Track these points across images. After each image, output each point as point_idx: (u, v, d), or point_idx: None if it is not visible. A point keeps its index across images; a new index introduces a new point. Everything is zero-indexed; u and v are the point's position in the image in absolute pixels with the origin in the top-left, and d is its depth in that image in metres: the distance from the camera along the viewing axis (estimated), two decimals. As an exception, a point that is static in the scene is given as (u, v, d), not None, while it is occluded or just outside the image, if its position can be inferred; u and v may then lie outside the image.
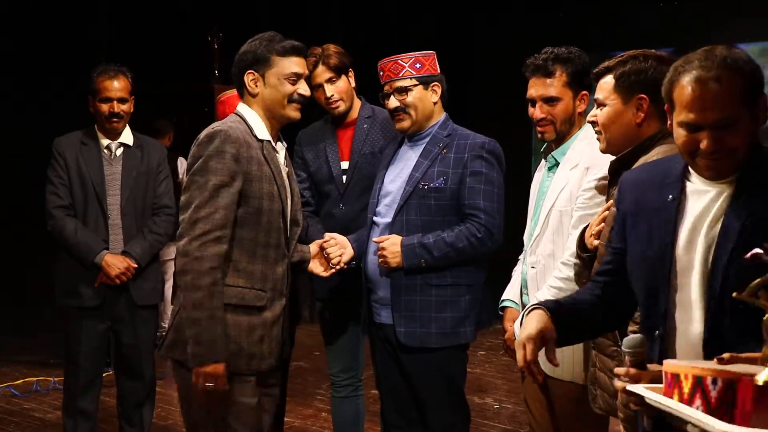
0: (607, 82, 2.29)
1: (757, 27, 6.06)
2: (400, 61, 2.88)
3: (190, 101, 6.44)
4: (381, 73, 2.93)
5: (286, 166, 2.66)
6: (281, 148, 2.64)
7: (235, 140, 2.43)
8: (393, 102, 2.89)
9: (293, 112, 2.57)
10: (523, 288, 2.78)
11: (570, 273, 2.51)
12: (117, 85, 3.52)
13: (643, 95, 2.24)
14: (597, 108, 2.34)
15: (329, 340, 3.44)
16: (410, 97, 2.88)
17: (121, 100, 3.53)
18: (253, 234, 2.48)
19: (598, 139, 2.38)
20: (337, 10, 7.01)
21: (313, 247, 2.93)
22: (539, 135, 2.72)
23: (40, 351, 5.53)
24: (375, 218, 2.98)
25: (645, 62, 2.25)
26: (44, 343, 5.37)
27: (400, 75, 2.88)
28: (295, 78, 2.54)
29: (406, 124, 2.91)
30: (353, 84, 3.29)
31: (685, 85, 1.66)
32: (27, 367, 5.50)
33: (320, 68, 3.19)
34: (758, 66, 1.69)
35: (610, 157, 2.58)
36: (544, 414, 2.77)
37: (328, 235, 2.97)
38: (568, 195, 2.61)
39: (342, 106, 3.24)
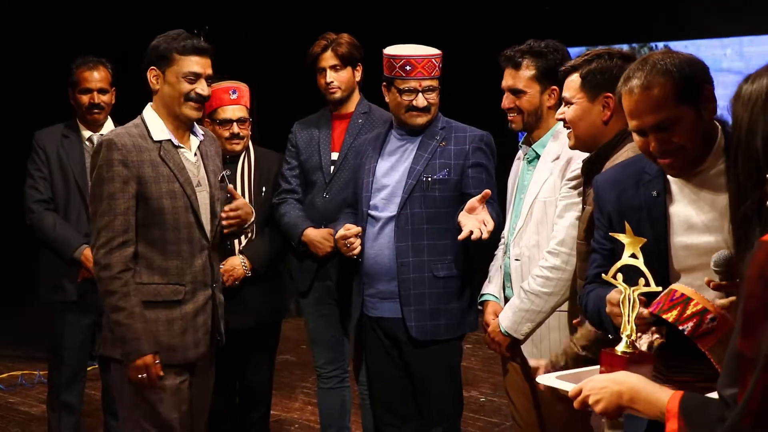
0: (574, 80, 2.35)
1: (733, 22, 6.11)
2: (434, 60, 2.88)
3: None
4: (408, 68, 2.86)
5: (203, 159, 2.71)
6: (195, 141, 2.70)
7: (121, 147, 2.53)
8: (422, 101, 2.87)
9: (190, 111, 2.61)
10: (506, 281, 2.78)
11: (556, 261, 2.54)
12: (97, 76, 3.51)
13: (609, 94, 2.28)
14: (565, 105, 2.38)
15: (313, 333, 3.45)
16: (437, 97, 2.91)
17: (101, 91, 3.51)
18: (161, 232, 2.57)
19: (568, 135, 2.42)
20: (324, 5, 7.00)
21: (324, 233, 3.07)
22: (509, 125, 2.77)
23: (24, 345, 5.51)
24: (371, 212, 2.95)
25: (610, 61, 2.30)
26: (29, 337, 5.34)
27: (432, 74, 2.88)
28: (193, 77, 2.59)
29: (425, 120, 2.92)
30: (358, 79, 3.32)
31: (625, 94, 1.80)
32: (12, 361, 5.47)
33: (328, 53, 3.24)
34: (696, 65, 1.80)
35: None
36: (528, 406, 2.79)
37: (348, 225, 2.96)
38: (552, 186, 2.63)
39: (339, 94, 3.26)
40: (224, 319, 2.79)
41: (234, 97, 3.25)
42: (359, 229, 2.93)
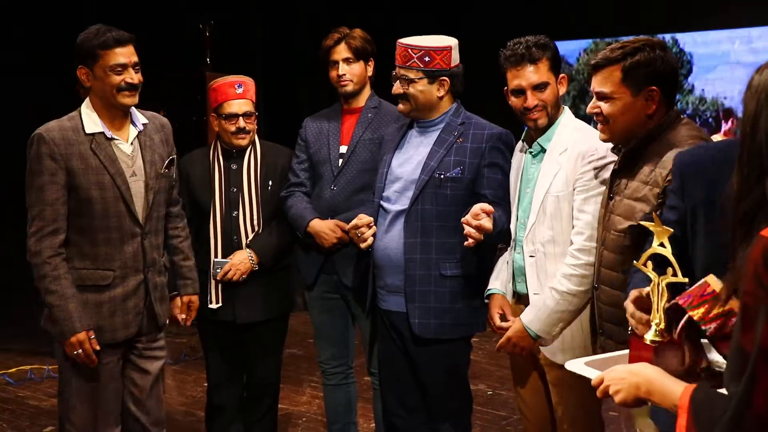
0: (614, 74, 2.25)
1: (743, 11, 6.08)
2: (410, 51, 2.84)
3: (181, 89, 6.42)
4: (396, 54, 2.89)
5: (142, 149, 2.80)
6: (133, 132, 2.80)
7: (49, 141, 2.66)
8: (396, 87, 2.88)
9: (125, 99, 2.72)
10: (517, 276, 2.76)
11: (589, 258, 2.51)
12: None
13: (654, 87, 2.23)
14: (598, 100, 2.31)
15: (318, 328, 3.45)
16: (412, 89, 2.86)
17: None
18: (89, 221, 2.72)
19: (600, 129, 2.36)
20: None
21: (330, 224, 3.14)
22: (531, 123, 2.70)
23: (34, 339, 5.52)
24: (384, 204, 2.94)
25: (652, 52, 2.23)
26: (36, 331, 5.35)
27: (407, 64, 2.84)
28: (120, 68, 2.69)
29: (404, 108, 2.91)
30: (370, 73, 3.32)
31: None
32: (20, 355, 5.50)
33: (341, 46, 3.25)
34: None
35: (597, 140, 2.58)
36: (536, 400, 2.79)
37: (361, 216, 2.95)
38: (564, 180, 2.61)
39: (350, 87, 3.27)
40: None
41: (239, 91, 3.25)
42: (371, 219, 2.91)
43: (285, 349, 3.62)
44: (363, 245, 2.93)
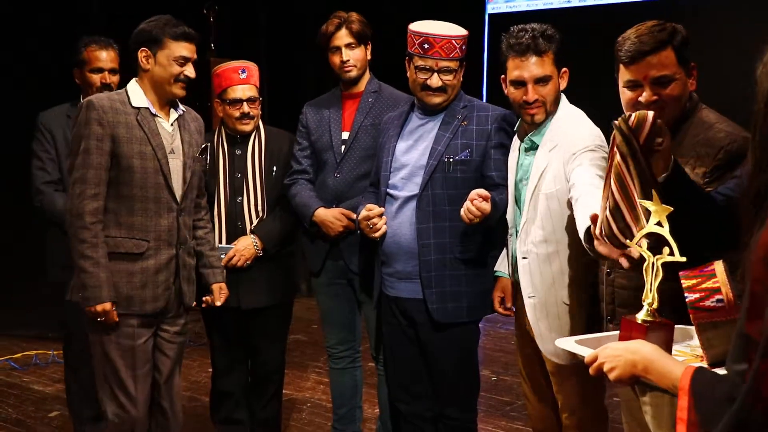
0: (669, 56, 2.12)
1: None
2: (454, 42, 2.79)
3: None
4: (426, 46, 2.79)
5: (181, 130, 2.90)
6: (174, 114, 2.90)
7: (99, 107, 2.74)
8: (437, 81, 2.81)
9: (179, 90, 2.85)
10: (514, 271, 2.74)
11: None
12: (107, 56, 3.51)
13: (693, 63, 2.17)
14: (654, 85, 2.13)
15: (325, 313, 3.45)
16: (454, 80, 2.84)
17: (113, 71, 3.52)
18: (129, 189, 2.78)
19: (655, 114, 2.11)
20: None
21: (335, 212, 3.15)
22: (528, 117, 2.62)
23: (38, 325, 5.55)
24: (390, 191, 2.92)
25: (682, 30, 2.16)
26: (42, 317, 5.38)
27: (451, 56, 2.80)
28: (183, 61, 2.81)
29: (440, 100, 2.87)
30: (369, 57, 3.31)
31: None
32: (25, 340, 5.52)
33: (342, 31, 3.23)
34: None
35: (587, 135, 2.50)
36: (541, 386, 2.79)
37: (370, 206, 2.92)
38: (553, 177, 2.55)
39: (354, 72, 3.25)
40: (242, 291, 3.15)
41: (243, 76, 3.24)
42: (382, 209, 2.89)
43: (289, 335, 3.62)
44: (376, 235, 2.89)
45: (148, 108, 2.83)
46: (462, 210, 2.60)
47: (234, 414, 3.44)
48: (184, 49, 2.81)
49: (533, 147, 2.65)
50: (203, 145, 3.00)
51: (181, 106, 2.94)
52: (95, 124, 2.73)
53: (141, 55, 2.81)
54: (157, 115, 2.85)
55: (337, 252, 3.29)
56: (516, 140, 2.78)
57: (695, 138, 2.14)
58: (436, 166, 2.83)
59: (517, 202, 2.72)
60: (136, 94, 2.83)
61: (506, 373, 4.81)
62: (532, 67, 2.55)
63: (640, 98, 2.13)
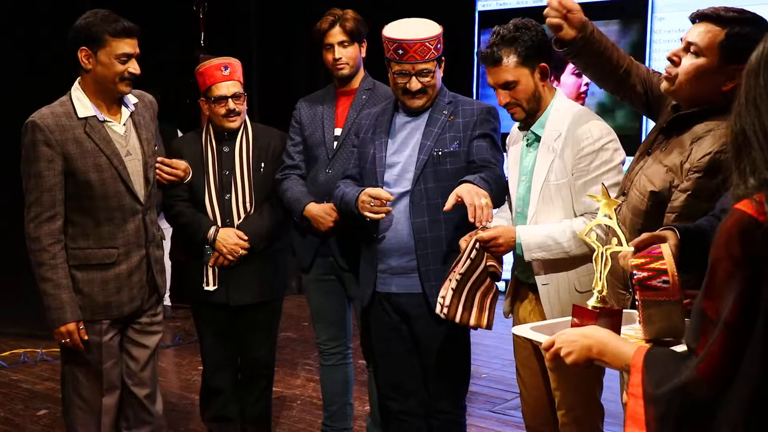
0: (713, 33, 2.05)
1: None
2: (427, 44, 2.79)
3: (175, 71, 6.38)
4: (400, 51, 2.79)
5: (136, 128, 2.86)
6: (125, 113, 2.84)
7: (44, 128, 2.68)
8: (416, 84, 2.82)
9: (124, 88, 2.78)
10: (518, 264, 2.73)
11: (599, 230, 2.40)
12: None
13: (740, 66, 2.12)
14: (683, 50, 2.12)
15: (316, 310, 3.44)
16: (433, 79, 2.84)
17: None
18: (91, 202, 2.75)
19: (666, 76, 2.16)
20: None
21: (326, 208, 3.14)
22: (512, 117, 2.69)
23: (27, 323, 5.52)
24: (383, 188, 2.89)
25: (749, 26, 2.05)
26: (30, 315, 5.35)
27: (426, 58, 2.80)
28: (126, 58, 2.73)
29: (422, 102, 2.87)
30: (364, 55, 3.30)
31: None
32: (13, 338, 5.50)
33: (336, 29, 3.21)
34: None
35: (591, 123, 2.53)
36: (536, 381, 2.78)
37: (384, 191, 2.85)
38: (562, 167, 2.57)
39: (347, 70, 3.24)
40: (236, 288, 3.21)
41: (226, 73, 3.22)
42: (391, 197, 2.83)
43: (280, 332, 3.61)
44: (372, 216, 2.82)
45: (95, 116, 2.76)
46: (470, 218, 2.56)
47: (224, 411, 3.43)
48: (127, 45, 2.72)
49: (536, 139, 2.67)
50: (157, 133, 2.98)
51: (132, 98, 2.87)
52: (42, 145, 2.67)
53: (81, 54, 2.72)
54: (106, 120, 2.78)
55: (326, 248, 3.29)
56: (515, 140, 2.79)
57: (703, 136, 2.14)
58: (427, 160, 2.83)
59: (524, 194, 2.70)
60: (81, 101, 2.76)
61: (502, 367, 4.81)
62: (495, 75, 2.62)
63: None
